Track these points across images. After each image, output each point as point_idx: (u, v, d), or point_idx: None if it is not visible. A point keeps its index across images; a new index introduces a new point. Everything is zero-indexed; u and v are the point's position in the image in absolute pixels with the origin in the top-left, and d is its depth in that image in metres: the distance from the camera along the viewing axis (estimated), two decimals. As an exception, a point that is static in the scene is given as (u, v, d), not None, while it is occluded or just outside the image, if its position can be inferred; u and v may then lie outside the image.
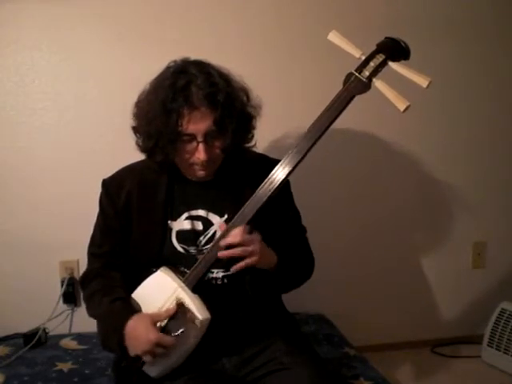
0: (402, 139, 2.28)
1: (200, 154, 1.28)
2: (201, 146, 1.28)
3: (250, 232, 1.27)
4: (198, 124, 1.26)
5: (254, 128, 1.40)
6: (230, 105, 1.29)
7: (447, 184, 2.36)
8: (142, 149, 1.37)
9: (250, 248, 1.25)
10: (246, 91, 1.36)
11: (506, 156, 2.42)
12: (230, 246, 1.25)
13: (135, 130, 1.37)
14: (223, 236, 1.26)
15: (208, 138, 1.29)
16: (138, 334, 1.24)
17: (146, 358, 1.26)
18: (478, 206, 2.41)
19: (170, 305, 1.27)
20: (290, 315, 1.54)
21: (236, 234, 1.24)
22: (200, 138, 1.27)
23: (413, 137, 2.29)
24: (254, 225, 1.28)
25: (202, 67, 1.31)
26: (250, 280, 1.38)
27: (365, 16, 2.14)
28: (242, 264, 1.26)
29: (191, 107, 1.25)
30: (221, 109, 1.27)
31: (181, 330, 1.24)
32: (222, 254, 1.26)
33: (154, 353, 1.24)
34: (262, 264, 1.30)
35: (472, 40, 2.28)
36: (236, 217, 1.27)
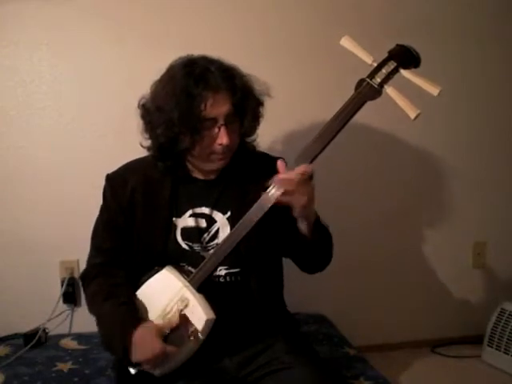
0: (404, 140, 2.28)
1: (223, 139, 1.30)
2: (223, 130, 1.30)
3: (311, 178, 1.23)
4: (219, 107, 1.29)
5: (262, 115, 1.42)
6: (247, 88, 1.35)
7: (447, 184, 2.36)
8: (158, 144, 1.36)
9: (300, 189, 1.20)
10: (252, 78, 1.39)
11: (506, 156, 2.42)
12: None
13: (148, 127, 1.37)
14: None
15: (228, 121, 1.31)
16: (144, 344, 1.25)
17: (147, 367, 1.27)
18: (478, 206, 2.41)
19: (172, 315, 1.27)
20: (291, 315, 1.54)
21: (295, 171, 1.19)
22: (221, 121, 1.30)
23: (413, 137, 2.29)
24: (269, 218, 1.24)
25: (210, 58, 1.35)
26: (256, 277, 1.38)
27: (366, 18, 2.14)
28: (287, 199, 1.21)
29: (212, 91, 1.28)
30: (239, 91, 1.32)
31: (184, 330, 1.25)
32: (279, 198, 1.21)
33: (156, 362, 1.25)
34: (305, 209, 1.25)
35: (472, 40, 2.28)
36: (243, 219, 1.25)
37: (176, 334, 1.27)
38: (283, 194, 1.20)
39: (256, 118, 1.39)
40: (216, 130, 1.31)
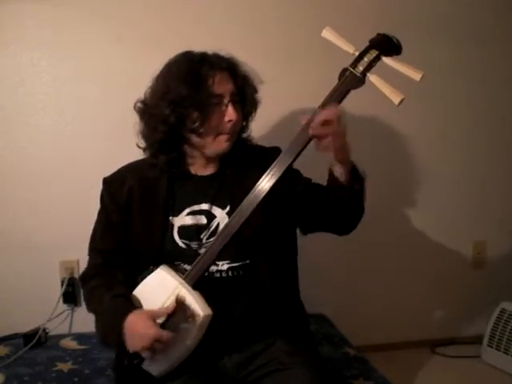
0: (401, 138, 2.28)
1: (232, 115, 1.34)
2: (230, 106, 1.34)
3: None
4: (225, 84, 1.34)
5: (259, 102, 1.45)
6: (246, 74, 1.40)
7: (447, 184, 2.36)
8: (165, 129, 1.36)
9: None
10: (247, 67, 1.44)
11: (506, 156, 2.42)
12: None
13: (151, 119, 1.37)
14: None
15: (234, 99, 1.35)
16: (137, 330, 1.22)
17: (145, 354, 1.25)
18: (478, 205, 2.41)
19: (169, 302, 1.26)
20: (303, 313, 1.51)
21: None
22: (228, 98, 1.34)
23: (411, 136, 2.29)
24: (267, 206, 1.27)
25: (206, 52, 1.40)
26: (267, 269, 1.37)
27: (361, 17, 2.14)
28: (326, 141, 1.19)
29: (217, 69, 1.34)
30: (240, 75, 1.38)
31: (182, 327, 1.24)
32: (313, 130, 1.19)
33: (153, 348, 1.22)
34: (341, 151, 1.23)
35: (470, 40, 2.28)
36: (238, 209, 1.26)
37: (174, 323, 1.25)
38: (320, 138, 1.19)
39: (254, 104, 1.43)
40: (223, 107, 1.34)
